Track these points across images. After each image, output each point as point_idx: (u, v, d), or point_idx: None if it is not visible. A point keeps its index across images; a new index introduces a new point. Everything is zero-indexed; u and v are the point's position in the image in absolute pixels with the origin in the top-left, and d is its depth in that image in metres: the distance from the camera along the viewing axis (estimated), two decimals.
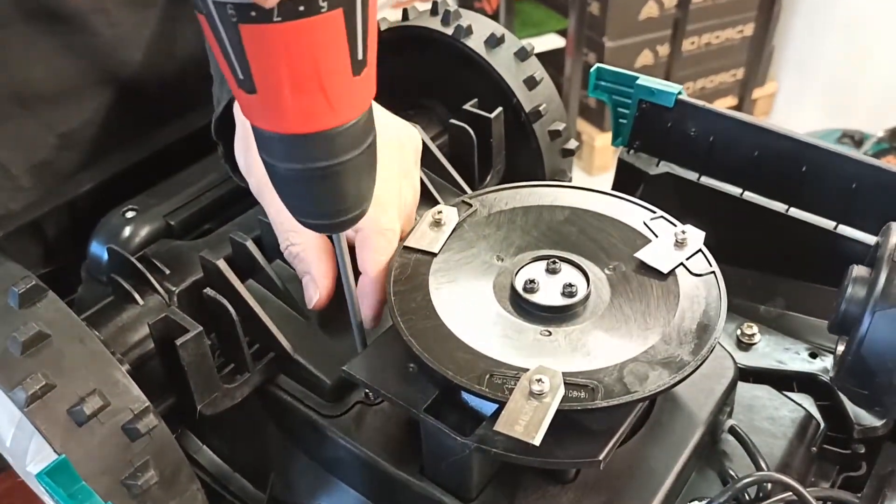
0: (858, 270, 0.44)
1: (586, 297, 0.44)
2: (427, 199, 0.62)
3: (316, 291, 0.49)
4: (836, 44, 2.43)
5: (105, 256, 0.55)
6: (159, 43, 0.69)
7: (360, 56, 0.32)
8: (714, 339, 0.41)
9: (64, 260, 0.64)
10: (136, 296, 0.51)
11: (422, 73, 0.73)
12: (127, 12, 0.65)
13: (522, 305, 0.43)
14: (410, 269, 0.46)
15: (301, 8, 0.29)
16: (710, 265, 0.46)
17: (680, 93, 0.64)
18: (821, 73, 2.53)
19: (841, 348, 0.45)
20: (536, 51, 0.69)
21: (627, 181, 0.70)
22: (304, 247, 0.49)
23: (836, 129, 2.14)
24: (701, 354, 0.40)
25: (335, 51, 0.31)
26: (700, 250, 0.47)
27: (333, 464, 0.50)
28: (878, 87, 2.33)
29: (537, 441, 0.35)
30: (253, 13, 0.29)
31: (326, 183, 0.36)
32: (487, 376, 0.39)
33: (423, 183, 0.62)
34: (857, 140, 2.04)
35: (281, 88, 0.32)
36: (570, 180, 0.75)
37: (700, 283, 0.45)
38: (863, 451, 0.52)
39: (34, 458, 0.43)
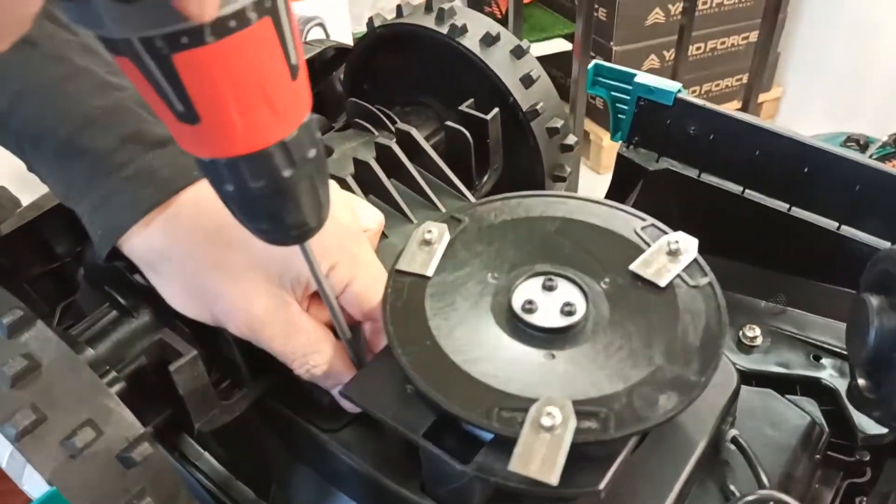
0: (877, 301, 0.43)
1: (586, 316, 0.43)
2: (423, 201, 0.61)
3: None
4: (842, 49, 2.43)
5: (100, 265, 0.54)
6: None
7: (293, 60, 0.32)
8: (719, 356, 0.41)
9: (62, 260, 0.63)
10: (132, 311, 0.50)
11: (417, 70, 0.72)
12: None
13: (523, 328, 0.42)
14: (405, 294, 0.44)
15: (232, 24, 0.28)
16: (707, 275, 0.45)
17: (679, 91, 0.63)
18: (826, 78, 2.52)
19: (862, 382, 0.44)
20: (544, 54, 0.68)
21: (627, 176, 0.69)
22: (328, 361, 0.45)
23: (840, 132, 2.13)
24: (708, 374, 0.39)
25: (272, 60, 0.31)
26: (695, 259, 0.46)
27: (334, 476, 0.50)
28: (883, 92, 2.33)
29: (555, 481, 0.35)
30: (184, 40, 0.28)
31: (295, 191, 0.35)
32: (496, 410, 0.38)
33: (418, 185, 0.61)
34: (861, 144, 2.03)
35: (227, 110, 0.31)
36: (569, 175, 0.74)
37: (698, 295, 0.44)
38: (867, 458, 0.51)
39: (31, 478, 0.43)
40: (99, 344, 0.50)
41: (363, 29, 0.74)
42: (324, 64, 0.81)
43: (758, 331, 0.58)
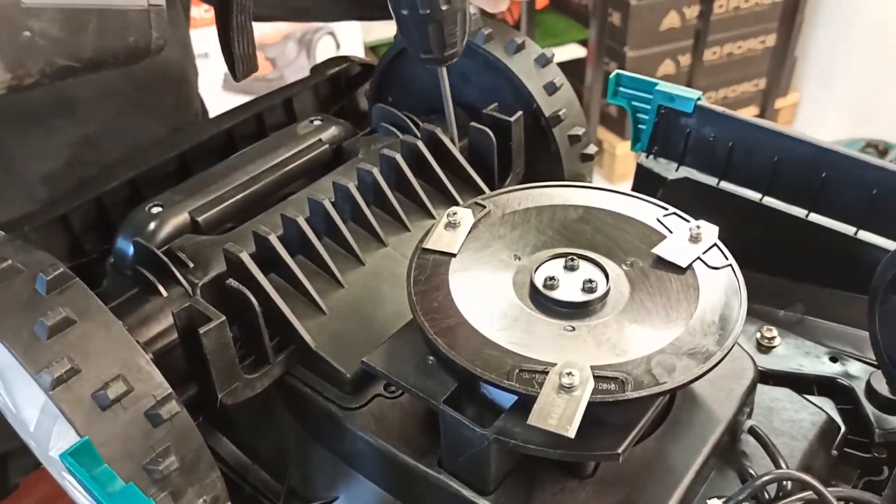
0: None
1: (606, 293, 0.44)
2: (446, 199, 0.62)
3: None
4: (859, 53, 2.39)
5: (130, 250, 0.56)
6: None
7: None
8: (738, 329, 0.41)
9: (89, 255, 0.65)
10: (160, 287, 0.52)
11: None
12: None
13: (543, 302, 0.44)
14: (430, 269, 0.46)
15: None
16: (727, 258, 0.46)
17: (699, 98, 0.64)
18: (843, 83, 2.49)
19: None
20: (557, 60, 0.70)
21: (646, 186, 0.70)
22: None
23: (859, 138, 2.12)
24: (727, 344, 0.40)
25: None
26: (715, 244, 0.47)
27: (352, 456, 0.50)
28: None
29: (572, 433, 0.35)
30: None
31: (446, 22, 0.54)
32: (516, 371, 0.39)
33: (442, 183, 0.63)
34: (881, 150, 2.04)
35: None
36: None
37: (718, 276, 0.45)
38: (884, 455, 0.51)
39: (57, 443, 0.44)
40: (127, 319, 0.51)
41: (375, 38, 0.77)
42: (349, 80, 0.83)
43: (775, 332, 0.58)
